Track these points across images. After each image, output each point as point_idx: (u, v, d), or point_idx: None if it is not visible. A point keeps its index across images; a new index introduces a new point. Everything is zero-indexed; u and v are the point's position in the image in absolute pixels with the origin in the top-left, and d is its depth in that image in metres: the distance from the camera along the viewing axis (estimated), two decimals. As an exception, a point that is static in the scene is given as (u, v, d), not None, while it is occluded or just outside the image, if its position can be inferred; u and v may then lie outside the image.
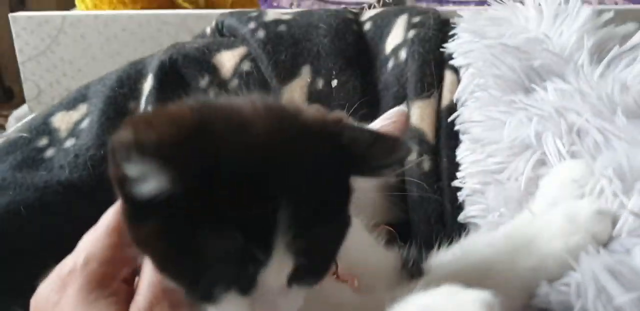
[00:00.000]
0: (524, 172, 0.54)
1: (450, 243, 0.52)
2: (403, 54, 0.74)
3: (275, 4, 2.23)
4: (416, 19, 0.78)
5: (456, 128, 0.64)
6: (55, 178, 0.63)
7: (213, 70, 0.79)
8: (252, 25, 0.84)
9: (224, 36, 0.91)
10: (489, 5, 0.79)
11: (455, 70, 0.69)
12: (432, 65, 0.69)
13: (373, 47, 0.80)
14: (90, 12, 1.20)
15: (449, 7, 1.91)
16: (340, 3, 2.39)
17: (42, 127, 0.71)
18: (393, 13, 0.82)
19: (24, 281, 0.57)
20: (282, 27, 0.83)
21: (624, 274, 0.38)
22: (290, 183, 0.35)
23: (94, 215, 0.53)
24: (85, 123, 0.71)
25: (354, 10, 0.90)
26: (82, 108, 0.74)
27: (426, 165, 0.63)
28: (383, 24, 0.81)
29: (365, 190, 0.61)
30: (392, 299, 0.38)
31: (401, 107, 0.69)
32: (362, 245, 0.51)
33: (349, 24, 0.83)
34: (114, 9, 1.24)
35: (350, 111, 0.71)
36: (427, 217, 0.61)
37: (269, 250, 0.35)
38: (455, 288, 0.36)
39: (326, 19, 0.84)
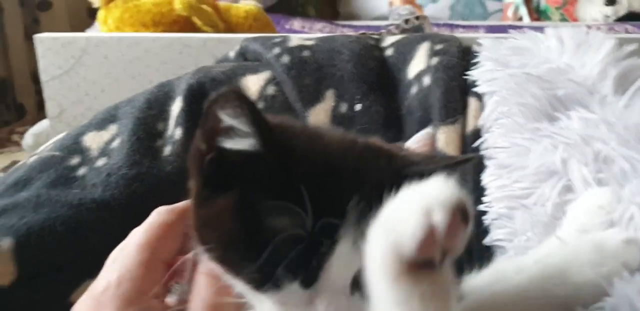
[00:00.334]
0: (551, 197, 0.56)
1: (478, 266, 0.53)
2: (427, 80, 0.75)
3: (287, 27, 2.27)
4: (439, 47, 0.80)
5: (481, 153, 0.66)
6: (89, 196, 0.64)
7: (239, 94, 0.81)
8: (276, 50, 0.86)
9: (247, 60, 0.93)
10: (506, 32, 0.81)
11: (479, 97, 0.71)
12: (456, 91, 0.71)
13: (395, 72, 0.82)
14: (114, 34, 1.23)
15: (463, 34, 1.94)
16: (351, 27, 2.43)
17: (74, 146, 0.73)
18: (415, 40, 0.85)
19: (60, 297, 0.59)
20: (306, 53, 0.85)
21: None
22: (363, 190, 0.37)
23: (125, 233, 0.55)
24: (115, 143, 0.73)
25: (374, 36, 0.93)
26: (113, 129, 0.76)
27: None
28: (405, 51, 0.83)
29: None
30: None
31: (428, 130, 0.70)
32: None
33: (370, 49, 0.86)
34: (135, 31, 1.27)
35: (375, 135, 0.72)
36: None
37: (334, 244, 0.36)
38: None
39: (348, 45, 0.86)
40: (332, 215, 0.36)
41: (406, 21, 1.13)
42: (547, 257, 0.49)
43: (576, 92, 0.62)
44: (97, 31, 1.63)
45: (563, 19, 2.71)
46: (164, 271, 0.47)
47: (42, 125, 1.67)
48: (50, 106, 1.21)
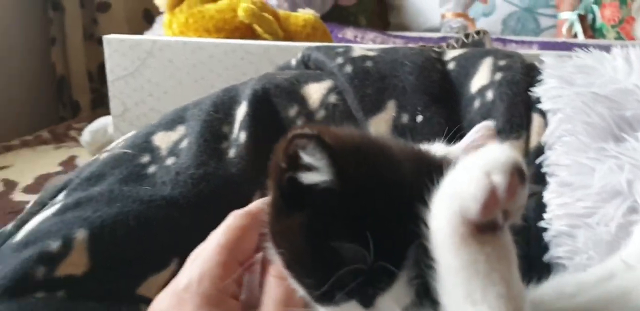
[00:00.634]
0: (615, 217, 0.56)
1: (535, 282, 0.54)
2: (490, 95, 0.76)
3: (340, 36, 2.30)
4: (502, 62, 0.81)
5: (543, 170, 0.66)
6: (159, 192, 0.67)
7: (301, 101, 0.83)
8: (339, 60, 0.88)
9: (309, 68, 0.96)
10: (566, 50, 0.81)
11: (542, 114, 0.72)
12: (520, 107, 0.72)
13: (457, 86, 0.83)
14: (179, 38, 1.28)
15: (515, 49, 1.94)
16: (402, 37, 2.45)
17: (144, 145, 0.76)
18: (478, 55, 0.86)
19: (127, 290, 0.61)
20: (369, 63, 0.87)
21: None
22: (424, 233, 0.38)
23: (192, 231, 0.57)
24: (184, 144, 0.76)
25: (436, 49, 0.94)
26: (181, 130, 0.79)
27: None
28: (468, 65, 0.84)
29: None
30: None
31: (488, 122, 0.68)
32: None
33: (433, 62, 0.87)
34: (199, 36, 1.31)
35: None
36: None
37: (392, 279, 0.38)
38: None
39: (411, 57, 0.87)
40: (391, 260, 0.38)
41: (466, 36, 1.13)
42: (610, 278, 0.49)
43: (644, 113, 0.62)
44: (157, 34, 1.68)
45: (619, 38, 2.66)
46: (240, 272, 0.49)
47: (99, 122, 1.74)
48: (114, 105, 1.26)
